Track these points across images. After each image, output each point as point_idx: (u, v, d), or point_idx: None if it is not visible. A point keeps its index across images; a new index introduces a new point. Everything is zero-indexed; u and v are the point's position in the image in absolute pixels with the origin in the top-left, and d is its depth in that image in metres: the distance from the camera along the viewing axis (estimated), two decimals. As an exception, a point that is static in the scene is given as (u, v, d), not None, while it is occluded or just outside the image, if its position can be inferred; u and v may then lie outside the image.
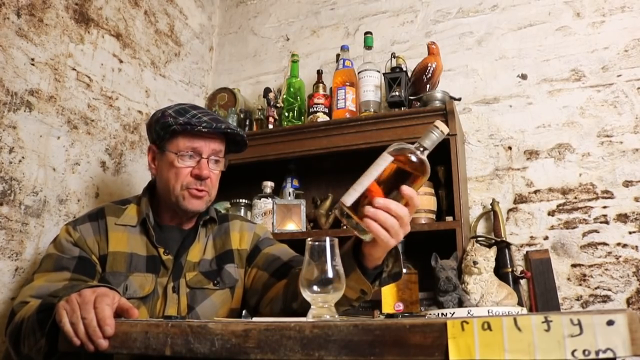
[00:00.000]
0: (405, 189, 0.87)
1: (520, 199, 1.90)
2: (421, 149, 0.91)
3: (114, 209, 1.31)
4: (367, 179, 0.89)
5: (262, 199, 1.94)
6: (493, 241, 1.78)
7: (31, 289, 1.12)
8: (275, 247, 1.36)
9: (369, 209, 0.87)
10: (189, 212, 1.30)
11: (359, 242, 0.97)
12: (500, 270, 1.70)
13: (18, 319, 1.05)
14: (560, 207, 1.83)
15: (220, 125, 1.26)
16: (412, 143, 0.92)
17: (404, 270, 1.10)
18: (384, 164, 0.89)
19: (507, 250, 1.76)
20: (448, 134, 1.70)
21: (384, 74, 1.94)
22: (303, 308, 0.93)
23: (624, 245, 1.73)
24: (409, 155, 0.89)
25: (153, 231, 1.27)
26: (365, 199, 0.88)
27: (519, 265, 1.82)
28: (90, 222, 1.27)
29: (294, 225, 1.89)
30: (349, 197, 0.88)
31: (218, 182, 1.34)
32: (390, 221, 0.87)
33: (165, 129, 1.25)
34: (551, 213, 1.84)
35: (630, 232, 1.73)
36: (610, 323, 0.53)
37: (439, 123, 0.92)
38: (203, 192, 1.28)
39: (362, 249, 0.96)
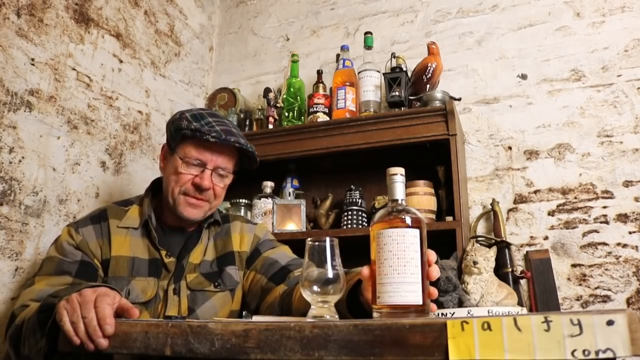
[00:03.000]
0: (431, 256, 0.85)
1: (520, 199, 1.90)
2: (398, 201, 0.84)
3: (115, 211, 1.30)
4: (415, 267, 0.79)
5: (262, 199, 1.94)
6: (493, 241, 1.78)
7: (32, 293, 1.11)
8: (274, 251, 1.36)
9: (432, 295, 0.84)
10: (185, 220, 1.28)
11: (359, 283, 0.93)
12: (500, 270, 1.70)
13: (18, 321, 1.05)
14: (560, 207, 1.83)
15: (229, 138, 1.22)
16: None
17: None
18: (415, 241, 0.81)
19: (507, 250, 1.76)
20: (448, 134, 1.72)
21: (384, 74, 1.93)
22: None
23: (624, 245, 1.73)
24: (404, 216, 0.82)
25: (155, 233, 1.26)
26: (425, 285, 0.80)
27: (519, 265, 1.82)
28: (92, 224, 1.26)
29: (294, 225, 1.89)
30: (416, 295, 0.78)
31: (223, 195, 1.32)
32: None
33: (178, 131, 1.25)
34: (551, 213, 1.84)
35: (630, 232, 1.73)
36: (610, 323, 0.53)
37: (388, 169, 0.86)
38: (201, 202, 1.26)
39: (364, 294, 0.91)
